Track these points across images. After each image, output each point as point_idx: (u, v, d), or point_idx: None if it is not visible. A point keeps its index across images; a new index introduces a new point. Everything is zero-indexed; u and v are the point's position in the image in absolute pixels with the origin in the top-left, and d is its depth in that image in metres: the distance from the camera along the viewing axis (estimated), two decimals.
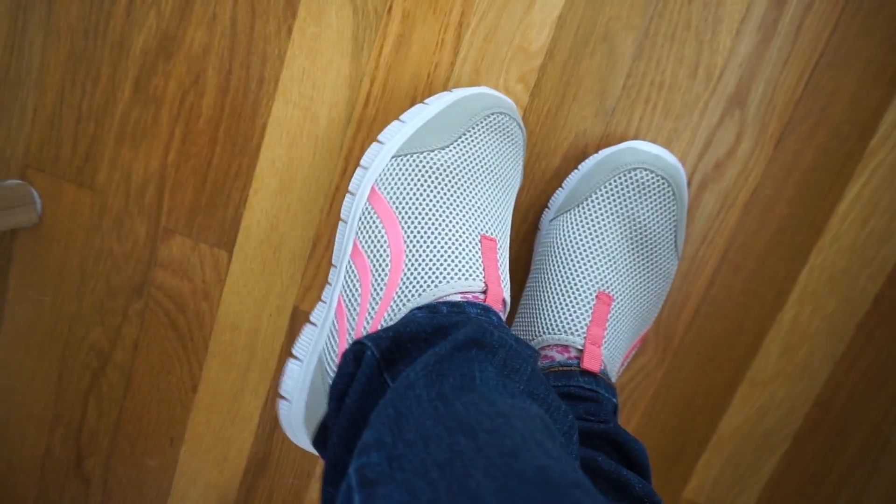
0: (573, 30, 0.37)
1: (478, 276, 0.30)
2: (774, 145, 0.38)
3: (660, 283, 0.37)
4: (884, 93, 0.36)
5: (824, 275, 0.40)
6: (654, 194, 0.35)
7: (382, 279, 0.30)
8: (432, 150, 0.32)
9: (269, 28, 0.39)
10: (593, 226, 0.35)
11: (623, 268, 0.35)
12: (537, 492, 0.15)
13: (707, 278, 0.40)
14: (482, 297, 0.30)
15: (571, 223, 0.35)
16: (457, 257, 0.30)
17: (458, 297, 0.29)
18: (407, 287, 0.29)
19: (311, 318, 0.34)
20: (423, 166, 0.32)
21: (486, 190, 0.33)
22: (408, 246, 0.30)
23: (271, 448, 0.47)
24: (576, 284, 0.34)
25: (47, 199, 0.44)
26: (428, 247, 0.30)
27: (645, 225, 0.35)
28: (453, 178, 0.32)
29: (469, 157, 0.33)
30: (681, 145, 0.38)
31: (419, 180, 0.31)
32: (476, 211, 0.32)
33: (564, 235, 0.35)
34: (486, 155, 0.33)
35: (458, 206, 0.32)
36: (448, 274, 0.29)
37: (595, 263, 0.34)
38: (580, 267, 0.34)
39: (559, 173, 0.39)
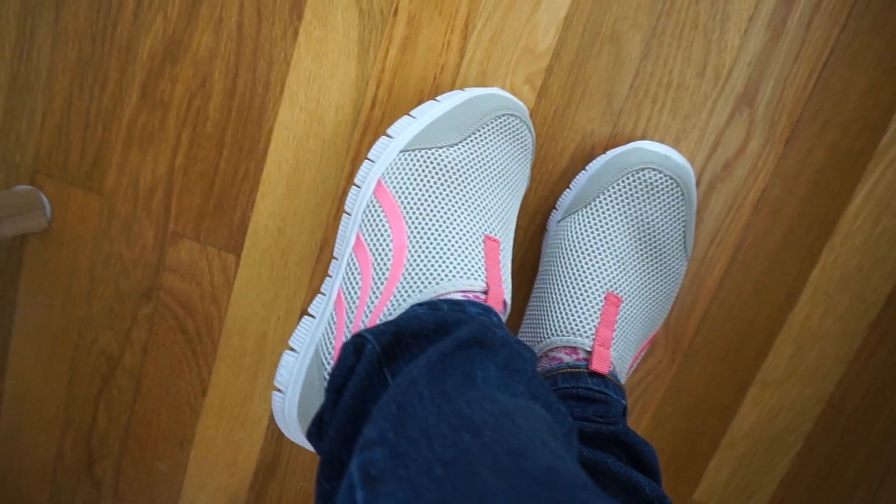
0: (580, 30, 0.36)
1: (480, 275, 0.30)
2: (784, 144, 0.37)
3: (669, 284, 0.36)
4: None
5: (836, 274, 0.39)
6: (663, 195, 0.34)
7: (384, 273, 0.30)
8: (441, 147, 0.32)
9: (275, 31, 0.39)
10: (601, 226, 0.35)
11: (631, 269, 0.35)
12: (547, 492, 0.15)
13: (717, 279, 0.40)
14: (483, 297, 0.30)
15: (579, 224, 0.35)
16: (460, 256, 0.30)
17: (458, 296, 0.29)
18: (408, 282, 0.29)
19: (310, 310, 0.34)
20: (431, 163, 0.31)
21: (493, 191, 0.33)
22: (411, 241, 0.30)
23: (280, 451, 0.47)
24: (584, 285, 0.34)
25: (56, 205, 0.44)
26: (431, 243, 0.30)
27: (653, 225, 0.35)
28: (460, 176, 0.32)
29: (477, 156, 0.33)
30: (689, 145, 0.38)
31: (426, 176, 0.31)
32: (481, 211, 0.32)
33: (572, 236, 0.35)
34: (495, 156, 0.33)
35: (463, 204, 0.31)
36: (450, 272, 0.29)
37: (603, 264, 0.34)
38: (588, 268, 0.34)
39: (567, 174, 0.39)
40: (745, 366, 0.41)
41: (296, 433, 0.32)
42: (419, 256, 0.30)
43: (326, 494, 0.24)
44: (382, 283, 0.30)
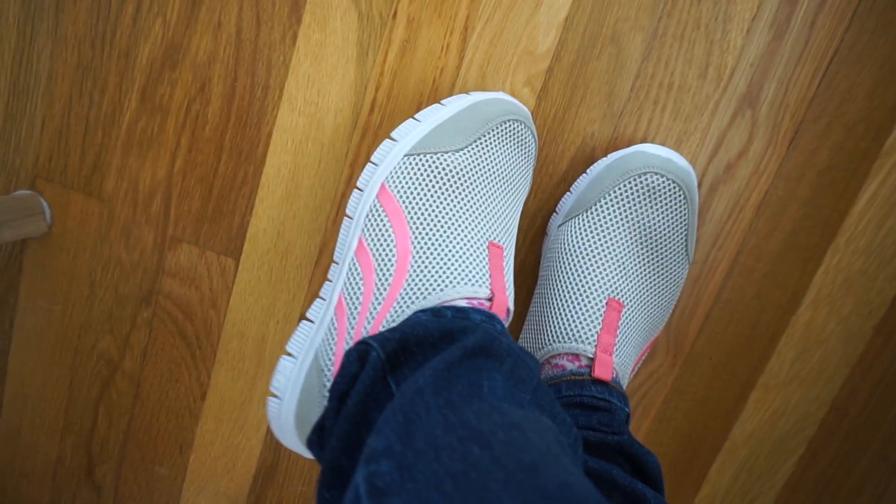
0: (580, 31, 0.36)
1: (484, 282, 0.30)
2: (787, 145, 0.37)
3: (670, 288, 0.36)
4: None
5: (840, 277, 0.39)
6: (666, 199, 0.34)
7: (387, 279, 0.30)
8: (446, 152, 0.31)
9: (274, 35, 0.39)
10: (603, 231, 0.34)
11: (633, 274, 0.34)
12: None
13: (718, 282, 0.40)
14: (487, 304, 0.30)
15: (580, 228, 0.35)
16: (464, 262, 0.30)
17: (463, 303, 0.29)
18: (412, 288, 0.29)
19: (308, 315, 0.33)
20: (436, 167, 0.31)
21: (497, 197, 0.33)
22: (415, 247, 0.30)
23: (280, 455, 0.47)
24: (585, 291, 0.33)
25: (56, 209, 0.44)
26: (436, 249, 0.30)
27: (656, 230, 0.35)
28: (466, 182, 0.32)
29: (482, 162, 0.32)
30: (691, 147, 0.37)
31: (431, 181, 0.31)
32: (486, 217, 0.32)
33: (573, 241, 0.35)
34: (499, 161, 0.33)
35: (468, 210, 0.31)
36: (455, 278, 0.29)
37: (605, 269, 0.34)
38: (590, 273, 0.34)
39: (567, 177, 0.39)
40: (748, 369, 0.41)
41: (292, 440, 0.32)
42: (423, 262, 0.29)
43: (327, 503, 0.24)
44: (385, 289, 0.30)
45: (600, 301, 0.33)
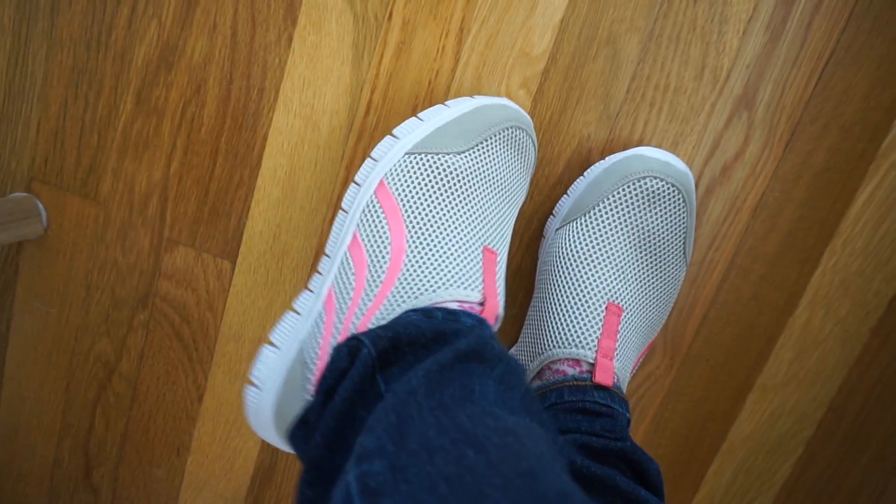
0: (576, 33, 0.36)
1: (477, 286, 0.29)
2: (784, 147, 0.37)
3: (668, 291, 0.36)
4: None
5: (837, 278, 0.39)
6: (665, 203, 0.34)
7: (379, 276, 0.29)
8: (448, 154, 0.31)
9: (269, 37, 0.39)
10: (602, 235, 0.34)
11: (632, 278, 0.34)
12: None
13: (715, 284, 0.39)
14: (478, 308, 0.29)
15: (579, 232, 0.35)
16: (458, 265, 0.29)
17: (454, 306, 0.29)
18: (404, 287, 0.29)
19: (295, 306, 0.32)
20: (437, 168, 0.31)
21: (494, 202, 0.33)
22: (410, 245, 0.30)
23: (277, 457, 0.47)
24: (585, 296, 0.33)
25: (52, 212, 0.44)
26: (431, 250, 0.29)
27: (654, 234, 0.34)
28: (465, 185, 0.31)
29: (483, 166, 0.32)
30: (687, 149, 0.37)
31: (431, 181, 0.31)
32: (482, 222, 0.32)
33: (572, 245, 0.35)
34: (499, 167, 0.33)
35: (466, 213, 0.31)
36: (448, 280, 0.29)
37: (604, 274, 0.34)
38: (589, 278, 0.34)
39: (563, 179, 0.39)
40: (745, 370, 0.41)
41: (268, 431, 0.31)
42: (417, 262, 0.29)
43: (308, 501, 0.23)
44: (377, 286, 0.29)
45: (600, 306, 0.33)
